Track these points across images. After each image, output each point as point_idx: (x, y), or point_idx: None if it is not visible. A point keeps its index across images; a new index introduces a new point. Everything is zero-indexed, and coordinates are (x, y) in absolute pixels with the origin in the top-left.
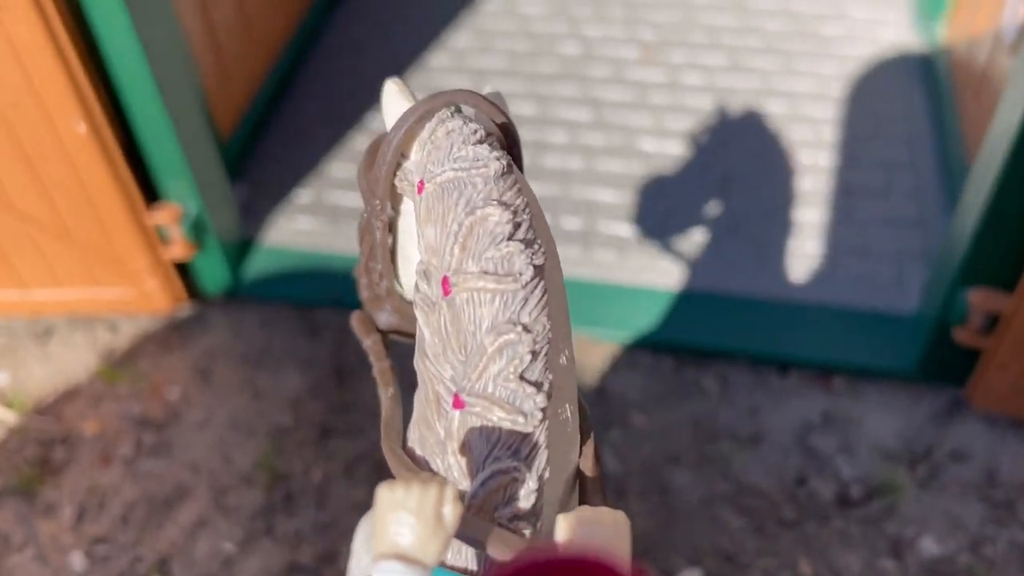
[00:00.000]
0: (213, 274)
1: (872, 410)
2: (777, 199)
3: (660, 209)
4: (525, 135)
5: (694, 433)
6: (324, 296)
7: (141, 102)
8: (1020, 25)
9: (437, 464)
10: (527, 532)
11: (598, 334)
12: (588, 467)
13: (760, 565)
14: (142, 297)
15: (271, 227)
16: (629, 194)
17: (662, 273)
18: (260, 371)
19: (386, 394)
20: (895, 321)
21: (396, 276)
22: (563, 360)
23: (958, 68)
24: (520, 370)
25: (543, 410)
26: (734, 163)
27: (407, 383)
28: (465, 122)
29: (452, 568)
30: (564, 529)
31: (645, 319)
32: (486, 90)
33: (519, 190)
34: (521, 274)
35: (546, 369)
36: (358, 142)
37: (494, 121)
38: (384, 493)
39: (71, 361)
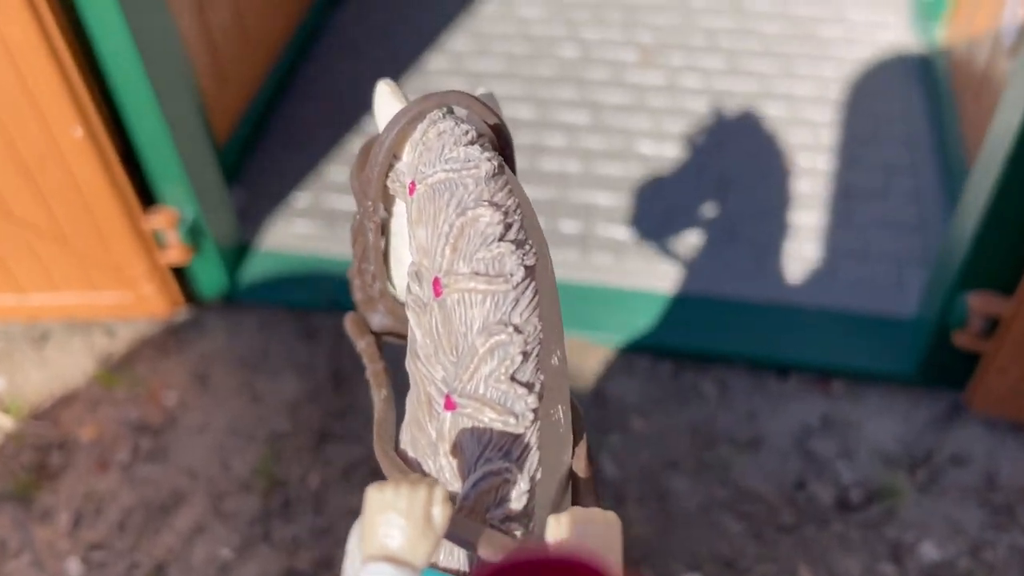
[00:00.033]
0: (210, 278)
1: (872, 414)
2: (776, 202)
3: (658, 212)
4: (523, 138)
5: (693, 438)
6: (321, 300)
7: (137, 106)
8: (1019, 27)
9: (429, 466)
10: (519, 533)
11: (596, 338)
12: (581, 468)
13: (759, 571)
14: (139, 301)
15: (268, 231)
16: (627, 197)
17: (660, 277)
18: (257, 375)
19: (379, 396)
20: (894, 324)
21: (389, 277)
22: (555, 361)
23: (957, 70)
24: (511, 371)
25: (534, 411)
26: (732, 166)
27: (401, 385)
28: (457, 123)
29: (444, 569)
30: (555, 530)
31: (643, 323)
32: (479, 91)
33: (510, 191)
34: (512, 275)
35: (537, 370)
36: (356, 145)
37: (486, 122)
38: (373, 494)
39: (68, 366)
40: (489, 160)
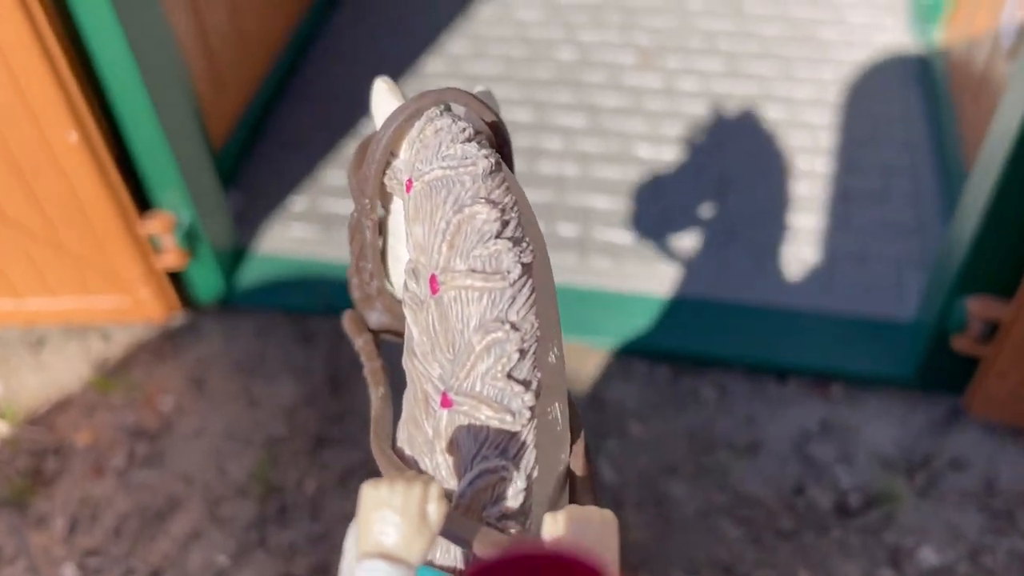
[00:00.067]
0: (207, 282)
1: (870, 418)
2: (774, 205)
3: (656, 215)
4: (520, 141)
5: (691, 443)
6: (318, 304)
7: (133, 111)
8: (1018, 29)
9: (426, 463)
10: (515, 531)
11: (594, 342)
12: (578, 467)
13: None
14: (135, 306)
15: (265, 235)
16: (625, 201)
17: (658, 280)
18: (254, 380)
19: (376, 394)
20: (893, 328)
21: (386, 275)
22: (552, 358)
23: (956, 72)
24: (508, 368)
25: (531, 409)
26: (731, 169)
27: (398, 383)
28: (454, 120)
29: (440, 567)
30: (551, 528)
31: (641, 327)
32: (476, 89)
33: (507, 188)
34: (509, 272)
35: (534, 367)
36: (352, 149)
37: (484, 120)
38: (368, 491)
39: (64, 371)
40: (486, 157)
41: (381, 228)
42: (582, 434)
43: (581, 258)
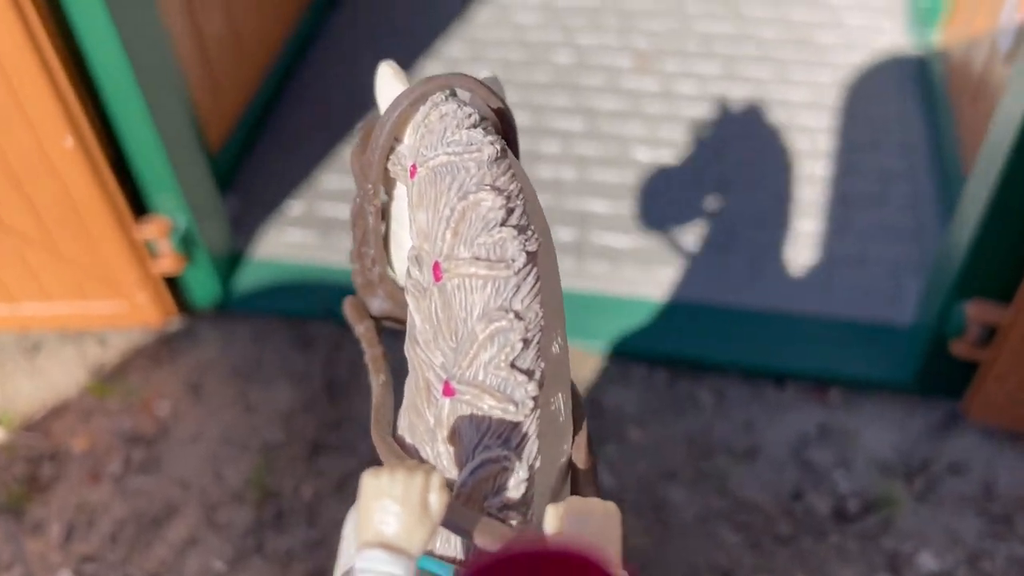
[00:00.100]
0: (203, 287)
1: (869, 423)
2: (773, 208)
3: (654, 220)
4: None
5: (689, 448)
6: (316, 309)
7: (129, 116)
8: (1015, 33)
9: (426, 452)
10: (516, 522)
11: (591, 346)
12: (580, 459)
13: None
14: (132, 311)
15: (262, 239)
16: (623, 204)
17: (656, 284)
18: (251, 385)
19: (377, 381)
20: (892, 332)
21: (389, 262)
22: (555, 348)
23: (954, 75)
24: (511, 358)
25: (534, 399)
26: (729, 172)
27: (400, 371)
28: (460, 106)
29: (441, 557)
30: (553, 519)
31: (639, 331)
32: (483, 75)
33: (513, 175)
34: (514, 260)
35: (538, 357)
36: (350, 153)
37: (489, 106)
38: (369, 480)
39: (60, 376)
40: (492, 144)
41: (384, 214)
42: (584, 425)
43: (579, 262)
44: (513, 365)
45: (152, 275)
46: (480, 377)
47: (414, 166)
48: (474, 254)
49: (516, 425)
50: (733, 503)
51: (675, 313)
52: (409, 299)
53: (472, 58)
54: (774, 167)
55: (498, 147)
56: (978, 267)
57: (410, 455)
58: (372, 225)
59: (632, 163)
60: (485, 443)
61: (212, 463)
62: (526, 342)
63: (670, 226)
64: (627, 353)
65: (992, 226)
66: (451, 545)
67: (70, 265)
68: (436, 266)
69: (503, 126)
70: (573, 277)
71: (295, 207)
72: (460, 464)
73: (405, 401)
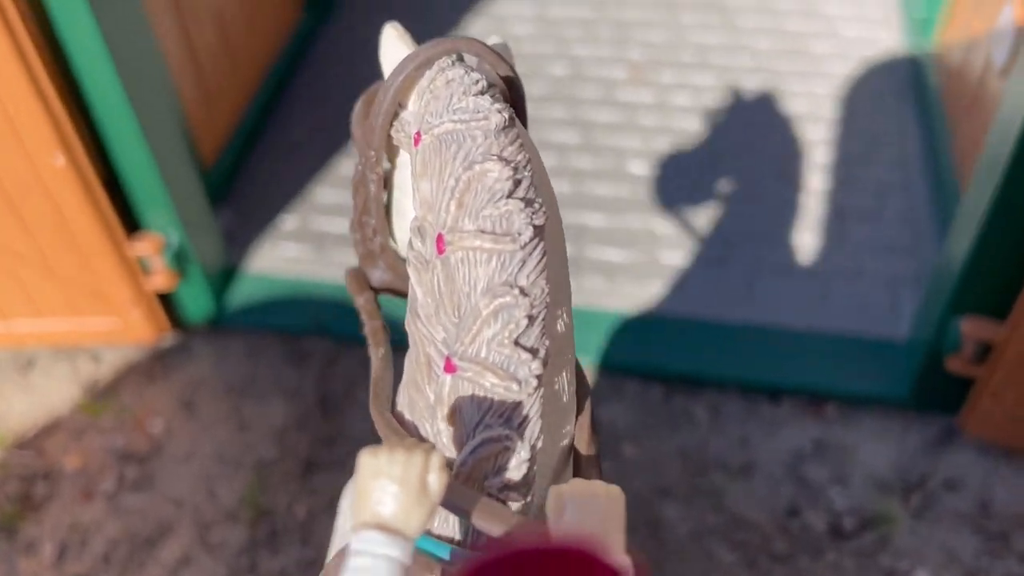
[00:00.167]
0: (197, 303)
1: (865, 439)
2: (768, 222)
3: (649, 233)
4: None
5: (684, 464)
6: (310, 324)
7: (120, 133)
8: (1010, 46)
9: (426, 429)
10: (518, 504)
11: (585, 361)
12: (583, 440)
13: None
14: (125, 328)
15: (256, 254)
16: (618, 218)
17: (651, 299)
18: (245, 401)
19: (376, 354)
20: (888, 348)
21: (391, 232)
22: (560, 326)
23: (949, 86)
24: (515, 335)
25: (538, 377)
26: (724, 185)
27: (399, 345)
28: (467, 72)
29: (438, 538)
30: (555, 502)
31: (634, 346)
32: (491, 40)
33: (521, 146)
34: (520, 234)
35: (543, 335)
36: (344, 167)
37: (498, 73)
38: (367, 459)
39: (53, 393)
40: (500, 112)
41: (386, 182)
42: (588, 406)
43: (573, 276)
44: (517, 342)
45: (145, 292)
46: (483, 354)
47: (418, 133)
48: (479, 227)
49: (518, 404)
50: (729, 520)
51: (669, 328)
52: (411, 271)
53: None
54: (769, 179)
55: (506, 115)
56: (973, 284)
57: (409, 431)
58: (374, 194)
59: (627, 176)
60: (486, 422)
61: (205, 481)
62: (531, 319)
63: (665, 239)
64: (621, 368)
65: (987, 243)
66: (449, 525)
67: (63, 282)
68: (439, 238)
69: (512, 94)
70: None
71: (289, 221)
72: (460, 442)
73: (405, 376)
